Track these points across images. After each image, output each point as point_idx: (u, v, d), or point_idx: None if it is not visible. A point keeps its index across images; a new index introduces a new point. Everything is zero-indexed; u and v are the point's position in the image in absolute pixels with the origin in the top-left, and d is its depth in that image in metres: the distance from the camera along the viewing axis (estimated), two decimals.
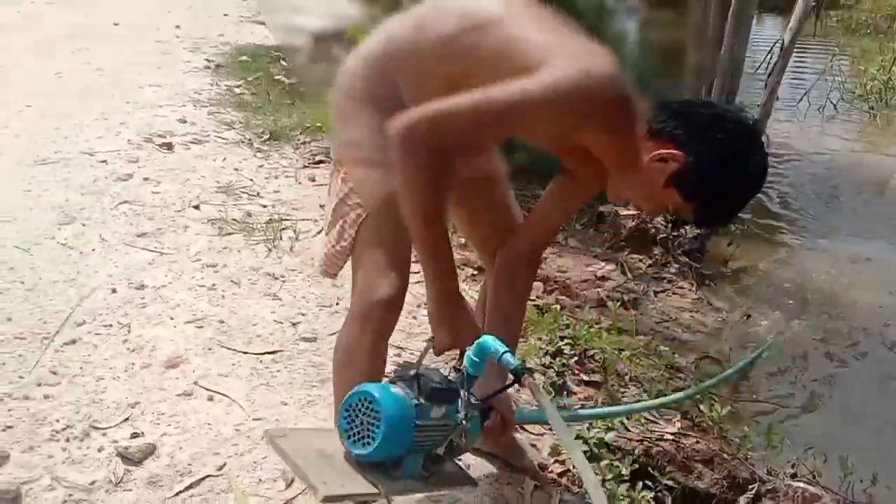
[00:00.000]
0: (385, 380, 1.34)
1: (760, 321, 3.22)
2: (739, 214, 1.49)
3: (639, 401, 2.32)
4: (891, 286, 3.59)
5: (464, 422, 1.33)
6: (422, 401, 1.26)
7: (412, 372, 1.29)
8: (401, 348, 2.38)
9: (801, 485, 2.03)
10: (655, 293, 3.34)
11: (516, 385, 1.29)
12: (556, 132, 1.45)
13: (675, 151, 1.35)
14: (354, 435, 1.24)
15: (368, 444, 1.22)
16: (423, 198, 1.31)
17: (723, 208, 1.43)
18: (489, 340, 1.30)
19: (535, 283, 2.72)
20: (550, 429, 2.03)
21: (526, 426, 2.07)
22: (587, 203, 3.35)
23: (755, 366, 2.75)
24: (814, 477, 2.13)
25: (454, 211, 1.73)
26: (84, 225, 2.96)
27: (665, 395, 2.37)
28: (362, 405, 1.23)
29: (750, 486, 2.03)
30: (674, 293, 3.37)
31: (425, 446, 1.30)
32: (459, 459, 1.44)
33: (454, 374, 1.36)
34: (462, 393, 1.33)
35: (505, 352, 1.28)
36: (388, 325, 1.57)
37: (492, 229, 1.78)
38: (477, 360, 1.32)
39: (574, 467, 1.93)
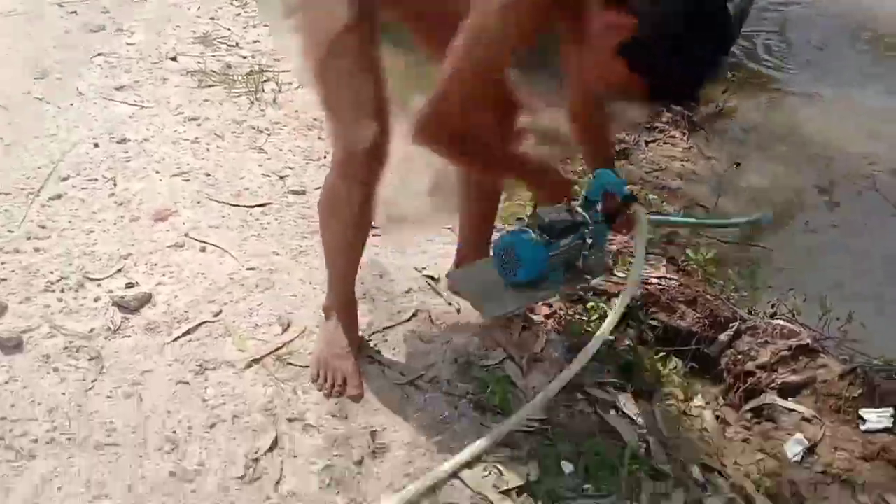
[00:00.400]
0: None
1: (750, 169, 3.22)
2: (725, 70, 1.38)
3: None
4: (882, 133, 3.57)
5: (590, 239, 1.61)
6: (550, 240, 1.57)
7: (539, 220, 1.58)
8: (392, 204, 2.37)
9: (780, 322, 2.10)
10: (647, 143, 3.31)
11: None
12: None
13: (625, 17, 1.21)
14: (506, 269, 1.60)
15: (515, 275, 1.59)
16: (477, 161, 1.50)
17: (673, 84, 1.29)
18: (604, 173, 1.59)
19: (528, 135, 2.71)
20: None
21: None
22: None
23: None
24: (793, 315, 2.20)
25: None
26: (59, 79, 2.86)
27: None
28: (506, 251, 1.59)
29: (730, 325, 2.10)
30: (665, 142, 3.34)
31: (563, 265, 1.63)
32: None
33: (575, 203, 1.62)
34: (585, 215, 1.60)
35: (617, 182, 1.57)
36: (374, 174, 1.51)
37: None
38: (595, 189, 1.60)
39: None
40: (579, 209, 1.61)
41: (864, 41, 4.71)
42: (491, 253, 1.70)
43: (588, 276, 1.71)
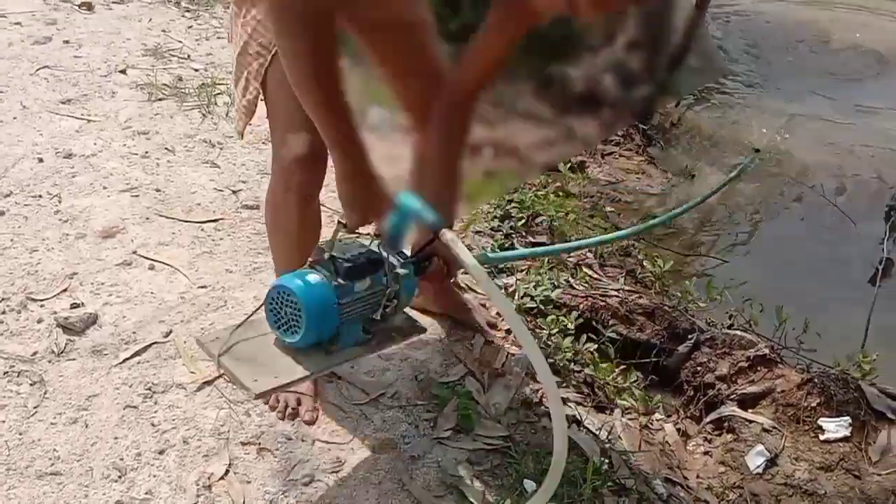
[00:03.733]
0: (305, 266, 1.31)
1: (704, 181, 3.26)
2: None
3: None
4: (831, 142, 3.66)
5: (394, 285, 1.32)
6: (341, 281, 1.26)
7: (326, 255, 1.28)
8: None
9: (738, 333, 2.11)
10: (603, 156, 3.33)
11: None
12: None
13: None
14: (283, 325, 1.26)
15: (296, 332, 1.25)
16: (306, 68, 1.23)
17: None
18: (405, 199, 1.23)
19: (485, 149, 2.69)
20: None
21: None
22: (537, 65, 3.26)
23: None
24: (750, 325, 2.21)
25: (380, 69, 1.62)
26: (2, 92, 2.77)
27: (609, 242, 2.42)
28: (282, 298, 1.25)
29: (689, 336, 2.11)
30: (621, 155, 3.37)
31: (357, 317, 1.32)
32: (404, 312, 1.43)
33: (377, 240, 1.33)
34: (387, 257, 1.31)
35: (422, 209, 1.21)
36: (310, 183, 1.49)
37: (416, 80, 1.60)
38: (397, 220, 1.26)
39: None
40: (378, 248, 1.31)
41: (821, 51, 4.84)
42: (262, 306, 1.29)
43: (395, 336, 1.40)
